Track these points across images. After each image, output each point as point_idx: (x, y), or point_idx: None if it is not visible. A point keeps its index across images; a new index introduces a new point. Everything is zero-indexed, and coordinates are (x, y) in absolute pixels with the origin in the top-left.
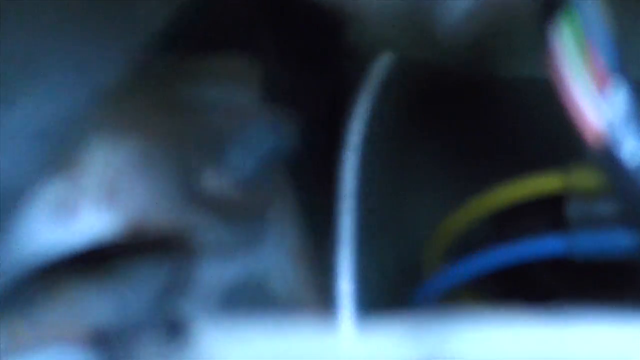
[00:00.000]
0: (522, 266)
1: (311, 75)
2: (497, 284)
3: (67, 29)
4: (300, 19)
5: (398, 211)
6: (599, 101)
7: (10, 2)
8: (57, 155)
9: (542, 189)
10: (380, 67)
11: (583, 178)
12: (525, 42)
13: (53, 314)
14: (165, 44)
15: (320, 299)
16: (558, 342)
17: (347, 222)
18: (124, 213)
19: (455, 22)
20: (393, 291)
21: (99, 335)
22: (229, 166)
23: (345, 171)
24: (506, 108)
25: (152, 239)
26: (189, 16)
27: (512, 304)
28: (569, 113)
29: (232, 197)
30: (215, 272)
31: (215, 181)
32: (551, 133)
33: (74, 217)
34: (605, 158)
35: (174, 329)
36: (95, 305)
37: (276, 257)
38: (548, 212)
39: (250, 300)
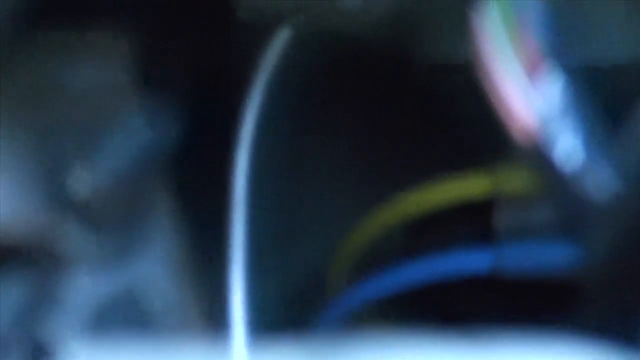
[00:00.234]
0: (440, 284)
1: (196, 52)
2: (411, 304)
3: None
4: None
5: (299, 218)
6: (529, 91)
7: None
8: None
9: (465, 192)
10: (277, 44)
11: (513, 180)
12: (449, 22)
13: None
14: (25, 19)
15: (207, 318)
16: None
17: (238, 232)
18: None
19: None
20: (293, 311)
21: None
22: (101, 163)
23: (236, 175)
24: (427, 96)
25: (13, 248)
26: None
27: (426, 328)
28: (495, 104)
29: (104, 200)
30: (85, 286)
31: (85, 181)
32: (477, 127)
33: None
34: (537, 158)
35: (39, 350)
36: None
37: (155, 269)
38: (472, 220)
39: (125, 317)
